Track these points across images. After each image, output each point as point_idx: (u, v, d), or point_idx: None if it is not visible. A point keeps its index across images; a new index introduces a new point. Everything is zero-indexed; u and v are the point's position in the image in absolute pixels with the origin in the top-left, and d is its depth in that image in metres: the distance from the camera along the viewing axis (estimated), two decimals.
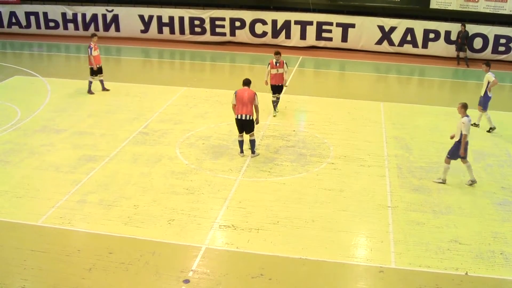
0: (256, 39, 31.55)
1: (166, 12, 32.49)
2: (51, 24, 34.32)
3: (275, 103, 20.42)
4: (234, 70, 27.96)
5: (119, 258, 12.02)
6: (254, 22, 31.29)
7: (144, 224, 13.33)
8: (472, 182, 15.45)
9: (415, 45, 30.02)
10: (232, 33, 31.84)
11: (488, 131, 19.40)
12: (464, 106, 14.97)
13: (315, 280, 11.36)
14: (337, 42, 30.67)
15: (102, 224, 13.33)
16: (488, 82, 19.17)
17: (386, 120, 20.16)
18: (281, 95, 20.64)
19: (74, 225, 13.32)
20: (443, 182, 15.50)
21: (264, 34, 31.30)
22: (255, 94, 16.68)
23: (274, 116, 20.04)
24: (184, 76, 25.64)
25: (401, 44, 30.09)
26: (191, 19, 32.07)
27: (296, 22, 30.82)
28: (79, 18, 33.77)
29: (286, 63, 20.14)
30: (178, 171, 16.00)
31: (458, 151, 15.05)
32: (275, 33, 31.25)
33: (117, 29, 33.59)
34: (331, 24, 30.40)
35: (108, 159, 16.81)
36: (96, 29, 33.60)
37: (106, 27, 33.64)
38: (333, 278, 11.51)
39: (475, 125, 19.62)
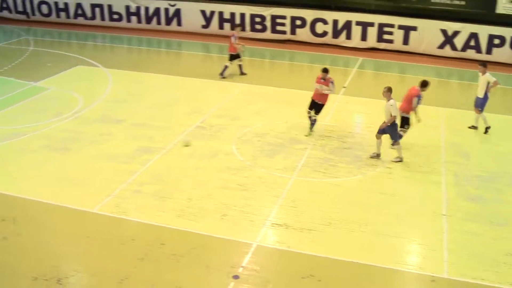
0: (316, 39, 31.36)
1: (227, 8, 32.58)
2: (115, 16, 34.83)
3: (312, 121, 18.63)
4: (293, 69, 27.89)
5: (171, 249, 12.16)
6: (315, 21, 31.09)
7: (197, 217, 13.45)
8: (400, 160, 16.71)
9: (478, 50, 29.35)
10: (293, 32, 31.71)
11: (485, 132, 19.05)
12: (390, 90, 16.23)
13: (364, 285, 11.28)
14: (398, 44, 30.23)
15: (156, 215, 13.50)
16: (488, 83, 18.72)
17: (445, 126, 19.81)
18: (339, 97, 20.38)
19: (128, 215, 13.54)
20: (377, 156, 16.95)
21: (325, 33, 31.09)
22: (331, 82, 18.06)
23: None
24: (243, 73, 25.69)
25: (464, 49, 29.47)
26: (252, 16, 32.09)
27: (358, 23, 30.49)
28: (142, 12, 34.16)
29: (333, 82, 18.27)
30: (233, 167, 16.08)
31: (395, 132, 16.59)
32: (336, 33, 31.01)
33: (179, 23, 33.85)
34: (392, 26, 29.98)
35: (164, 151, 17.00)
36: (158, 23, 33.95)
37: (168, 21, 33.94)
38: (383, 284, 11.40)
39: (473, 127, 19.30)
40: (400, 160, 16.65)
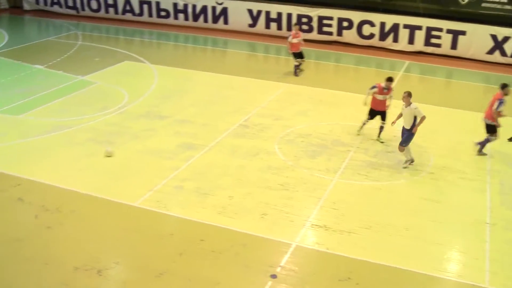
0: (363, 41, 31.13)
1: (274, 8, 32.57)
2: (162, 13, 35.13)
3: (380, 129, 18.28)
4: (339, 70, 27.76)
5: (210, 246, 12.21)
6: (362, 23, 30.88)
7: (237, 215, 13.48)
8: (411, 162, 16.40)
9: None
10: (339, 33, 31.53)
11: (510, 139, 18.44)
12: (410, 95, 15.90)
13: None
14: (445, 49, 29.81)
15: (196, 212, 13.58)
16: None
17: None
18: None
19: (169, 210, 13.64)
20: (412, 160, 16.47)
21: (372, 36, 30.85)
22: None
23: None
24: (288, 73, 25.65)
25: None
26: (299, 16, 32.01)
27: (405, 26, 30.13)
28: (189, 9, 34.39)
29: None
30: (274, 167, 16.07)
31: (411, 138, 16.10)
32: (383, 36, 30.74)
33: (226, 22, 33.97)
34: (440, 30, 29.57)
35: (207, 148, 17.08)
36: (205, 21, 34.15)
37: (215, 19, 34.10)
38: None
39: None
40: (411, 160, 16.41)
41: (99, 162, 16.07)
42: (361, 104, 17.98)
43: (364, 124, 18.45)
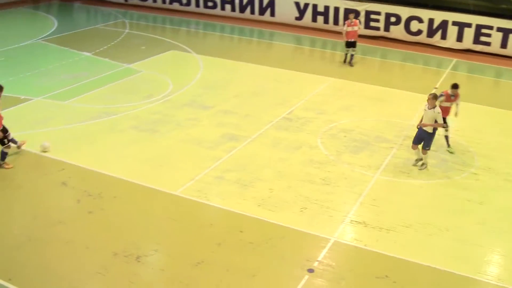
0: (410, 37, 30.73)
1: (322, 1, 32.33)
2: (210, 3, 35.24)
3: (446, 137, 17.42)
4: (385, 66, 27.48)
5: (249, 237, 12.24)
6: (410, 19, 30.48)
7: (277, 208, 13.48)
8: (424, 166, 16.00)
9: None
10: (386, 28, 31.20)
11: None
12: (436, 97, 15.53)
13: None
14: (495, 47, 29.24)
15: (236, 203, 13.62)
16: None
17: None
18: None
19: (209, 200, 13.71)
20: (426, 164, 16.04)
21: (419, 32, 30.41)
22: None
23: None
24: (333, 67, 25.53)
25: None
26: (346, 11, 31.73)
27: (454, 23, 29.66)
28: (237, 0, 34.42)
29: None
30: (316, 160, 16.01)
31: (432, 140, 15.72)
32: (431, 33, 30.27)
33: (272, 14, 33.92)
34: (491, 28, 29.00)
35: (249, 140, 17.11)
36: (252, 12, 34.15)
37: (262, 11, 34.06)
38: None
39: None
40: (425, 165, 15.92)
41: (142, 149, 16.24)
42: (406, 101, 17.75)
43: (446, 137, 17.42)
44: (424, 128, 15.50)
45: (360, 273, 11.38)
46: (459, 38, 29.76)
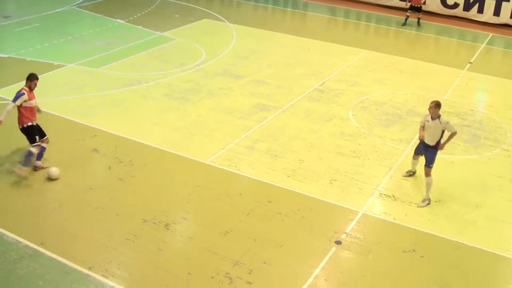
0: (446, 10, 30.23)
1: None
2: None
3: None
4: (419, 39, 27.04)
5: (277, 208, 12.26)
6: None
7: (306, 179, 13.46)
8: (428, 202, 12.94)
9: None
10: (423, 1, 30.77)
11: None
12: (439, 106, 12.70)
13: (468, 267, 10.93)
14: None
15: (266, 173, 13.63)
16: None
17: None
18: (464, 73, 19.43)
19: (239, 169, 13.74)
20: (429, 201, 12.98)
21: (456, 5, 29.90)
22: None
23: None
24: (367, 39, 25.26)
25: None
26: None
27: None
28: None
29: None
30: (347, 133, 15.93)
31: (435, 155, 12.90)
32: (467, 6, 29.74)
33: None
34: None
35: (281, 110, 17.06)
36: None
37: None
38: (487, 268, 10.99)
39: None
40: (427, 201, 12.86)
41: (173, 118, 16.29)
42: (440, 75, 17.52)
43: None
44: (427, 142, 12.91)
45: (387, 247, 11.35)
46: (497, 12, 29.19)
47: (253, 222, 11.80)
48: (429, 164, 12.81)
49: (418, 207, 12.72)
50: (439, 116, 12.62)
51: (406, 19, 27.88)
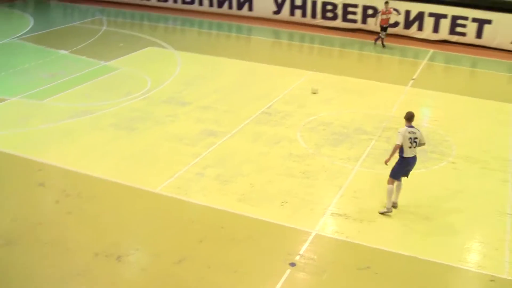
0: (388, 29, 30.85)
1: None
2: None
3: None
4: (362, 59, 27.55)
5: (230, 233, 12.26)
6: None
7: (257, 202, 13.50)
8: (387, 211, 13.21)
9: None
10: (364, 21, 31.23)
11: None
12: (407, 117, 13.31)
13: (421, 280, 11.11)
14: (471, 38, 29.40)
15: (217, 199, 13.62)
16: None
17: None
18: (407, 89, 19.86)
19: (190, 196, 13.70)
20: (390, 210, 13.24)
21: (396, 24, 30.49)
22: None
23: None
24: (312, 60, 25.57)
25: None
26: (324, 4, 31.75)
27: (430, 14, 29.81)
28: None
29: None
30: (296, 154, 16.04)
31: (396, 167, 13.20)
32: (407, 24, 30.41)
33: (250, 8, 33.83)
34: (466, 18, 29.17)
35: (229, 135, 17.10)
36: (230, 7, 34.00)
37: (240, 6, 33.93)
38: (441, 281, 11.20)
39: None
40: (387, 210, 13.23)
41: (121, 148, 16.17)
42: (384, 92, 17.86)
43: None
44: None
45: (342, 265, 11.45)
46: (435, 29, 29.94)
47: (206, 249, 11.75)
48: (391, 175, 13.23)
49: (378, 212, 13.19)
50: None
51: (377, 38, 28.47)
